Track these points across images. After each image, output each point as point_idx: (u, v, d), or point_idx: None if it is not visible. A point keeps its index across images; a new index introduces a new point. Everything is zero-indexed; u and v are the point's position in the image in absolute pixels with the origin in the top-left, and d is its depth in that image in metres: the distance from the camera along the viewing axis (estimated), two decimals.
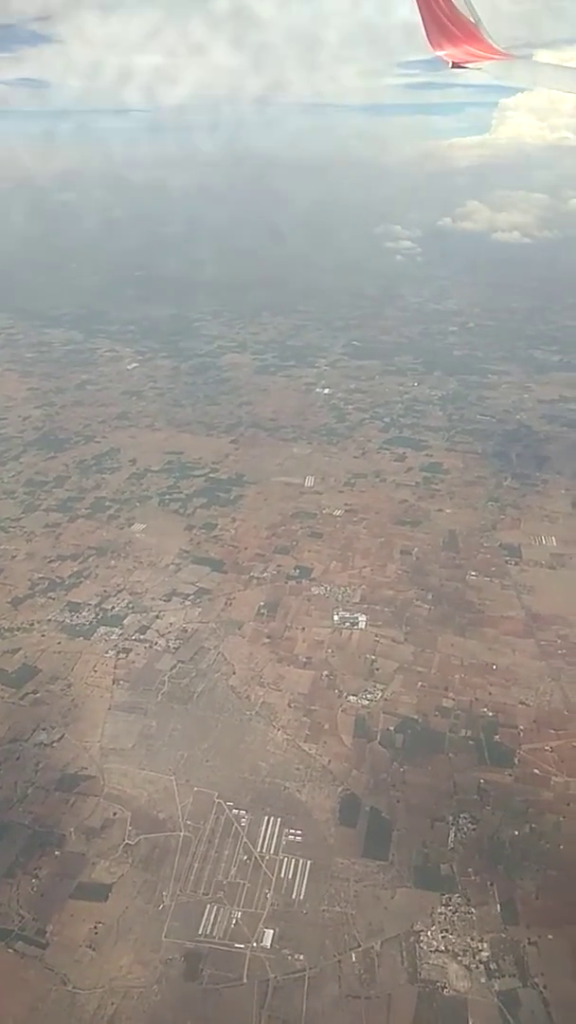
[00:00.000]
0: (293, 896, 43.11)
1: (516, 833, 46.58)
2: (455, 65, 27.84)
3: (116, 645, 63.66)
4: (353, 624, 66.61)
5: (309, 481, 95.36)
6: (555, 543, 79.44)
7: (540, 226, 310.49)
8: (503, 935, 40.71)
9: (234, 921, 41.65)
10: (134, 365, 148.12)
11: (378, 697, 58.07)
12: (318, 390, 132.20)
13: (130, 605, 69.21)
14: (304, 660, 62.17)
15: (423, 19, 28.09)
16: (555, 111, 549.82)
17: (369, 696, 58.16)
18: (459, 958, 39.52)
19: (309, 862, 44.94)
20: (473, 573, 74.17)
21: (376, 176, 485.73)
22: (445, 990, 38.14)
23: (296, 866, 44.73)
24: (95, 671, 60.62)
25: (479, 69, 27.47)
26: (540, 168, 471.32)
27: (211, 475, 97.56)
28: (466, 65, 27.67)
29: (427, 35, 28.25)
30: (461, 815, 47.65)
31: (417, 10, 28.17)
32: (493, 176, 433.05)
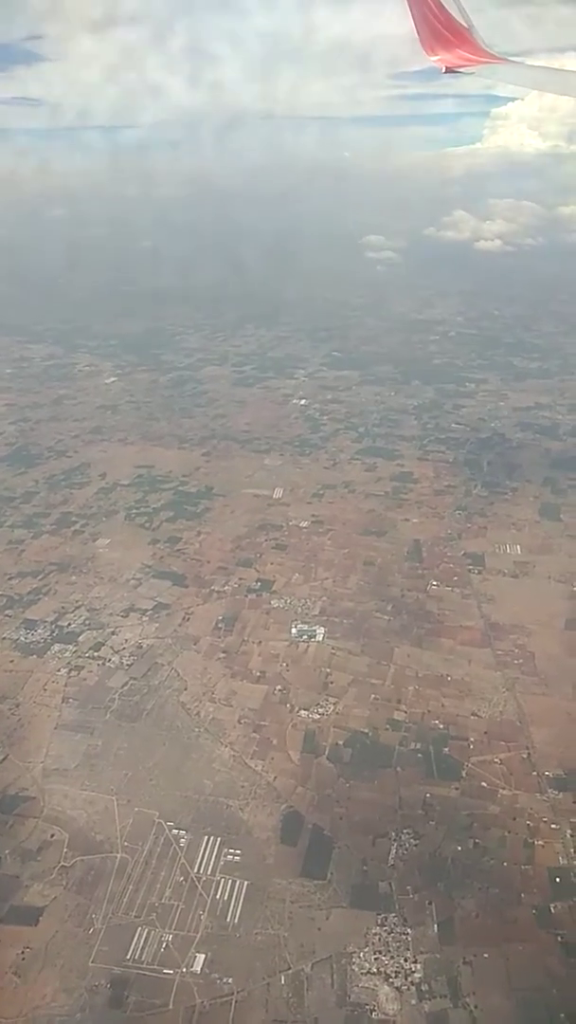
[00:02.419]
0: (227, 918, 42.33)
1: (459, 849, 45.81)
2: (448, 70, 27.94)
3: (69, 663, 63.07)
4: (311, 637, 65.99)
5: (278, 492, 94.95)
6: (519, 551, 78.88)
7: (524, 234, 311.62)
8: (438, 955, 39.89)
9: (164, 944, 40.90)
10: (112, 379, 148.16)
11: (330, 711, 57.38)
12: (294, 401, 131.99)
13: (87, 621, 68.65)
14: (258, 674, 61.54)
15: (416, 24, 28.40)
16: (547, 120, 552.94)
17: (321, 710, 57.48)
18: (391, 980, 38.69)
19: (246, 883, 44.17)
20: (435, 583, 73.57)
21: (366, 187, 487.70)
22: (374, 1013, 37.30)
23: (233, 887, 43.98)
24: (45, 689, 60.01)
25: (472, 73, 27.51)
26: (530, 177, 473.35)
27: (180, 488, 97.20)
28: (459, 69, 27.75)
29: (420, 40, 28.53)
30: (404, 831, 46.91)
31: (410, 16, 28.40)
32: (483, 185, 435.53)
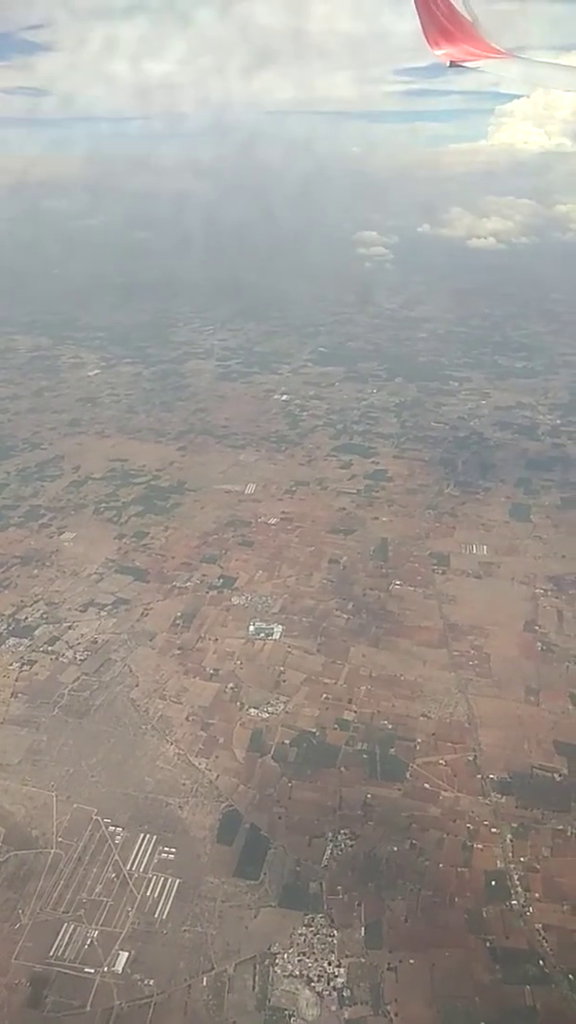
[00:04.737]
0: (155, 915, 42.05)
1: (395, 850, 45.42)
2: (453, 64, 27.72)
3: (22, 657, 62.63)
4: (268, 635, 65.53)
5: (250, 488, 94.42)
6: (486, 552, 78.37)
7: (519, 232, 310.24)
8: (363, 959, 39.49)
9: (89, 942, 40.53)
10: (95, 372, 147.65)
11: (279, 710, 56.96)
12: (276, 396, 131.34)
13: (44, 616, 68.21)
14: (211, 672, 61.12)
15: (421, 19, 28.09)
16: (552, 117, 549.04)
17: (270, 709, 57.05)
18: (312, 984, 38.30)
19: (178, 881, 43.84)
20: (398, 582, 73.08)
21: (368, 182, 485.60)
22: (293, 1019, 36.89)
23: (164, 885, 43.67)
24: None
25: (477, 68, 27.29)
26: (533, 174, 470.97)
27: (152, 483, 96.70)
28: (464, 64, 27.56)
29: (425, 34, 28.25)
30: (341, 831, 46.53)
31: (415, 10, 28.04)
32: (485, 182, 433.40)
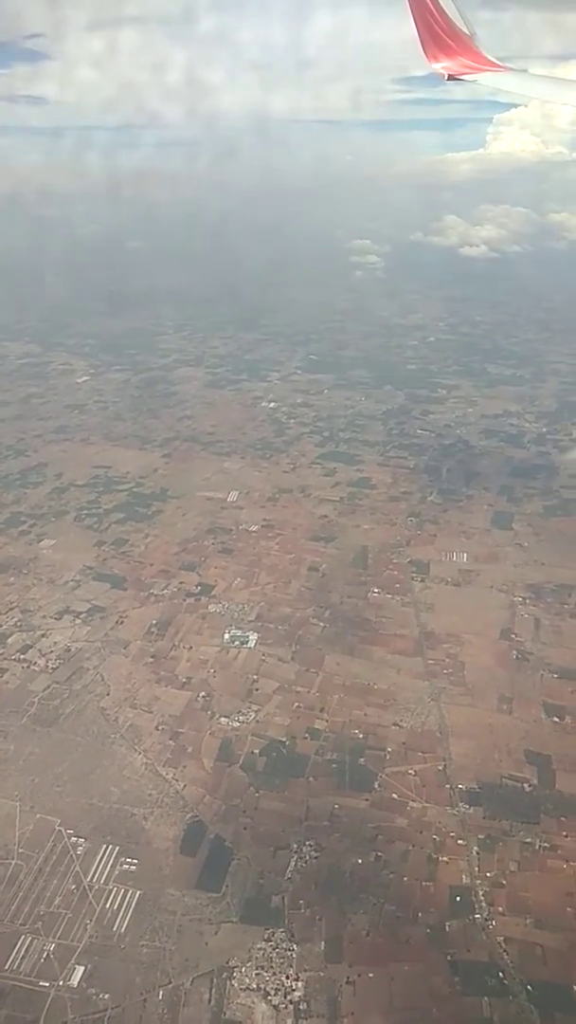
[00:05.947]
0: (114, 928, 41.50)
1: (359, 862, 44.88)
2: (451, 77, 27.87)
3: None
4: (243, 643, 65.18)
5: (232, 496, 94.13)
6: (466, 559, 78.06)
7: (512, 240, 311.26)
8: (321, 973, 38.95)
9: (45, 955, 39.98)
10: (84, 379, 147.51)
11: (250, 719, 56.54)
12: (263, 404, 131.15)
13: (18, 623, 67.80)
14: (183, 680, 60.72)
15: (419, 32, 28.28)
16: (550, 127, 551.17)
17: (241, 718, 56.64)
18: (269, 998, 37.76)
19: (138, 893, 43.31)
20: (376, 590, 72.73)
21: (363, 191, 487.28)
22: None
23: (124, 897, 43.13)
24: None
25: (474, 81, 27.39)
26: (530, 183, 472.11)
27: (135, 490, 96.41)
28: (461, 77, 27.68)
29: (423, 48, 28.42)
30: (306, 843, 46.02)
31: (413, 23, 28.23)
32: (481, 191, 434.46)
